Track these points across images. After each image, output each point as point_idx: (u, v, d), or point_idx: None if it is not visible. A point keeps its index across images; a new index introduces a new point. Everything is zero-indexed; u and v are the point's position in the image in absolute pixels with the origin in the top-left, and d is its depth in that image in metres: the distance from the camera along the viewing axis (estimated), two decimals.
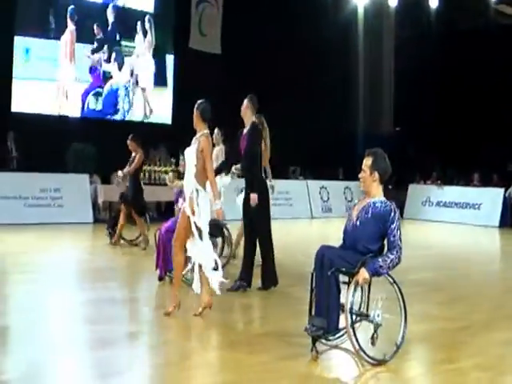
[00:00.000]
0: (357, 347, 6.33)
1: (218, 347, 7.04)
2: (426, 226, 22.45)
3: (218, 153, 12.81)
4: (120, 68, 23.01)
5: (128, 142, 14.04)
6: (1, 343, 6.76)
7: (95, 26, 22.21)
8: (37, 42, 21.06)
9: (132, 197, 13.83)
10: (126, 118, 22.92)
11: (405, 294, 6.59)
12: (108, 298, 9.07)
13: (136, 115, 23.25)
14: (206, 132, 8.25)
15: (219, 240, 10.96)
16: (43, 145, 18.36)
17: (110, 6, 22.49)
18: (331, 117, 26.74)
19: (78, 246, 14.45)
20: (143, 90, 23.48)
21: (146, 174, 19.03)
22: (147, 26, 23.45)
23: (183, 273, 8.70)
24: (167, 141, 21.30)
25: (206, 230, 7.98)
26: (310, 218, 23.07)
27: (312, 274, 6.53)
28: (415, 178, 26.11)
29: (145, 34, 23.41)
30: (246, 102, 10.04)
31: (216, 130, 12.91)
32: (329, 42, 26.59)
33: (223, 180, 11.56)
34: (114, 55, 22.85)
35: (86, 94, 22.21)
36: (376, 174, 6.60)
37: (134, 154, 13.99)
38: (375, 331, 6.43)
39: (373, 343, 6.41)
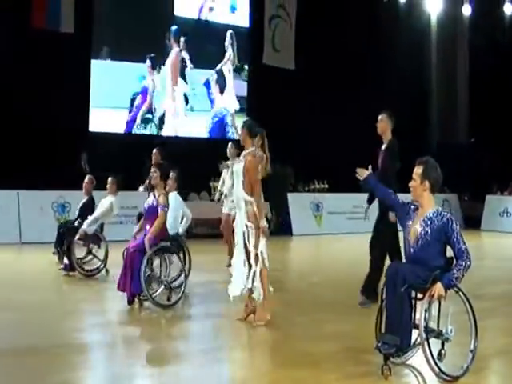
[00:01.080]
0: (433, 364, 6.24)
1: (285, 364, 6.99)
2: (504, 238, 22.03)
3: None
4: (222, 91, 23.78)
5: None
6: (83, 359, 6.94)
7: None
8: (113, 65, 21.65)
9: None
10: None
11: (483, 307, 6.50)
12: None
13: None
14: (251, 150, 8.71)
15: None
16: (124, 163, 18.60)
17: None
18: (406, 127, 26.48)
19: None
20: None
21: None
22: (229, 42, 23.87)
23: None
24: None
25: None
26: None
27: (382, 290, 6.50)
28: (492, 189, 25.66)
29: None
30: (384, 118, 10.36)
31: (230, 145, 13.15)
32: (402, 52, 26.38)
33: None
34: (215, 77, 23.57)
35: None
36: (427, 183, 6.51)
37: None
38: (443, 347, 6.35)
39: (440, 359, 6.30)
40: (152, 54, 22.30)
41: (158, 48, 22.42)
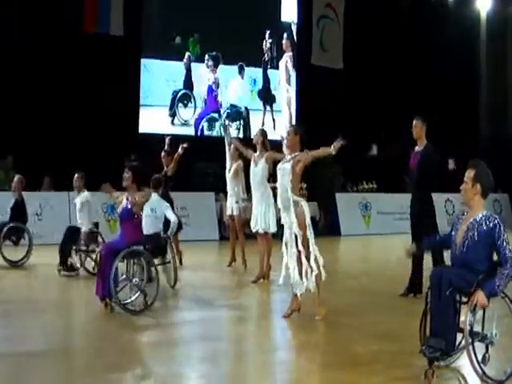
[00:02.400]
0: (477, 367, 6.17)
1: (332, 366, 6.94)
2: None
3: (238, 168, 13.27)
4: None
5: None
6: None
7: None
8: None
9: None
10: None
11: None
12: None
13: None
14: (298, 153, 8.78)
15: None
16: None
17: None
18: (456, 124, 26.26)
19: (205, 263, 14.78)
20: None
21: None
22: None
23: None
24: None
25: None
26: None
27: (427, 294, 6.46)
28: None
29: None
30: (418, 123, 10.48)
31: (232, 147, 13.12)
32: (452, 49, 26.15)
33: None
34: None
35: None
36: (478, 187, 6.42)
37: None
38: (487, 350, 6.26)
39: (484, 363, 6.21)
40: (214, 53, 22.57)
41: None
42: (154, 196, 11.11)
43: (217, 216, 19.39)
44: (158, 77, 22.15)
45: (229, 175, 13.51)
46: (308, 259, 8.60)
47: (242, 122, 23.70)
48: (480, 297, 6.16)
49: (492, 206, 23.80)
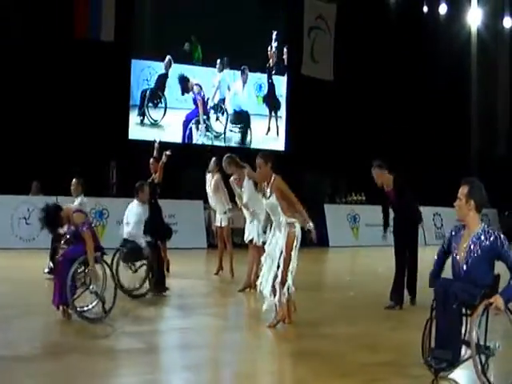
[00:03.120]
0: (483, 378, 6.25)
1: (330, 377, 6.90)
2: None
3: (218, 181, 13.38)
4: None
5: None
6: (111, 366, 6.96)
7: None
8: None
9: None
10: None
11: None
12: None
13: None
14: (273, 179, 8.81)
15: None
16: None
17: None
18: (446, 139, 26.37)
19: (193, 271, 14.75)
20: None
21: None
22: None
23: None
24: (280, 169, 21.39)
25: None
26: (423, 245, 22.64)
27: (431, 306, 6.52)
28: None
29: None
30: (376, 171, 10.73)
31: (213, 159, 13.36)
32: (443, 64, 26.28)
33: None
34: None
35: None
36: (472, 203, 6.54)
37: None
38: (486, 361, 6.33)
39: (484, 372, 6.28)
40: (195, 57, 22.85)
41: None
42: (134, 203, 11.25)
43: (205, 224, 19.37)
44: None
45: (209, 189, 13.60)
46: (283, 281, 8.68)
47: (243, 126, 23.86)
48: (498, 301, 6.24)
49: (480, 221, 23.81)
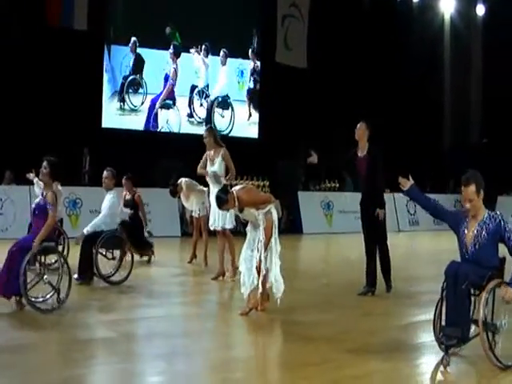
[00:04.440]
0: (491, 355, 6.62)
1: (301, 363, 6.94)
2: None
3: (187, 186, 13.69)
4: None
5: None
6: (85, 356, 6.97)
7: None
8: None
9: None
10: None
11: None
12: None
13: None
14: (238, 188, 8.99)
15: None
16: (131, 160, 18.73)
17: None
18: (419, 128, 26.52)
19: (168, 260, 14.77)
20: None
21: None
22: None
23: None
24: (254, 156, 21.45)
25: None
26: (396, 232, 22.87)
27: (442, 287, 6.82)
28: (506, 191, 25.56)
29: None
30: (362, 126, 10.62)
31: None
32: (416, 52, 26.41)
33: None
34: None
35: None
36: (481, 194, 6.86)
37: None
38: (493, 338, 6.69)
39: (491, 349, 6.64)
40: (175, 42, 22.64)
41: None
42: (110, 194, 11.38)
43: (179, 212, 19.35)
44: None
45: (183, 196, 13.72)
46: (265, 271, 8.79)
47: (231, 111, 24.01)
48: (509, 292, 6.65)
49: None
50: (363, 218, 10.75)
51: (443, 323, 6.81)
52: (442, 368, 6.63)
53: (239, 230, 10.19)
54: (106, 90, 21.96)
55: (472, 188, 6.80)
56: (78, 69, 19.98)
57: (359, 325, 8.68)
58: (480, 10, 28.01)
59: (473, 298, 6.85)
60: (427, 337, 7.61)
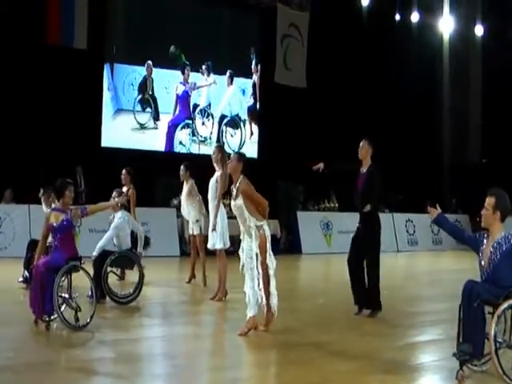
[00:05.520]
0: (500, 372, 6.72)
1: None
2: None
3: (191, 188, 13.36)
4: None
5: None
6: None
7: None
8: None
9: None
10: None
11: None
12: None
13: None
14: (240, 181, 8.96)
15: None
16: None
17: None
18: (418, 148, 26.57)
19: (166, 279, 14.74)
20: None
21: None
22: None
23: None
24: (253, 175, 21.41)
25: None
26: (395, 252, 22.86)
27: (460, 306, 6.97)
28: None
29: None
30: (365, 144, 10.72)
31: (182, 167, 13.46)
32: (415, 72, 26.48)
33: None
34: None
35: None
36: (498, 214, 7.04)
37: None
38: None
39: (501, 366, 6.72)
40: (184, 61, 22.98)
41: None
42: (118, 214, 11.36)
43: (178, 232, 19.35)
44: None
45: (183, 196, 13.60)
46: (266, 284, 8.89)
47: (241, 130, 24.24)
48: None
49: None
50: (353, 237, 10.63)
51: (460, 340, 6.96)
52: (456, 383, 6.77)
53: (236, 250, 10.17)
54: (108, 108, 21.92)
55: (492, 200, 7.03)
56: (77, 88, 20.00)
57: (358, 345, 8.66)
58: (479, 30, 28.11)
59: (488, 317, 6.96)
60: (426, 358, 7.63)
